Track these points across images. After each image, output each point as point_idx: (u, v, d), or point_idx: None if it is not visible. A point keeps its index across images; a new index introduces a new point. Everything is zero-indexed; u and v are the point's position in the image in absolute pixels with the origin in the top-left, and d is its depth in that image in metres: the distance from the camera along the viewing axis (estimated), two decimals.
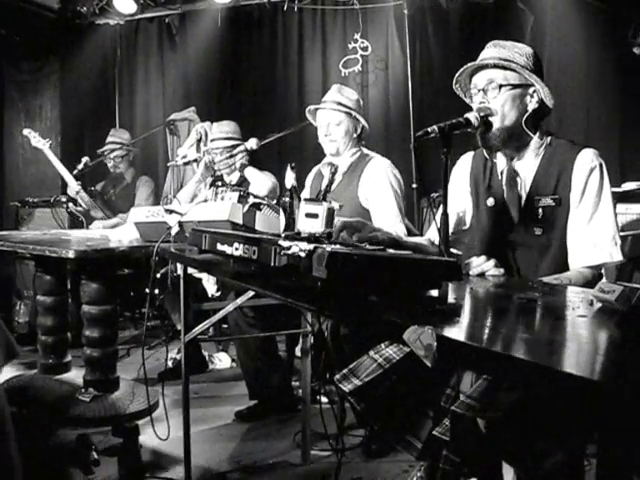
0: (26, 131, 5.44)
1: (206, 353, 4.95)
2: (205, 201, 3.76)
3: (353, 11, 6.32)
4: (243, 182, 4.50)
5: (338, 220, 2.39)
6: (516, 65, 2.33)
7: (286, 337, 4.22)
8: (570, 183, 2.32)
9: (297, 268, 1.53)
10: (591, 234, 2.30)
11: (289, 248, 1.55)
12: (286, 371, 4.07)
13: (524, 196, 2.42)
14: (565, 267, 2.33)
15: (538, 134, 2.42)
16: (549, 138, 2.43)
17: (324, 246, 1.50)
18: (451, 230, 2.61)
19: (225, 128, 4.69)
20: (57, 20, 6.99)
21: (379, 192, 3.60)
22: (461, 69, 2.44)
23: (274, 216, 3.29)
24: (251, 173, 4.54)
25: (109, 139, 5.78)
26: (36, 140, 5.37)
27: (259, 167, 4.66)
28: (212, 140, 4.66)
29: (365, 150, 3.81)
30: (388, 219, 3.53)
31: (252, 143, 3.86)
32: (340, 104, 3.71)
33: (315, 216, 1.95)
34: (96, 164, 5.57)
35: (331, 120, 3.71)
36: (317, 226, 1.94)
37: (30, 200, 6.05)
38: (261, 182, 4.47)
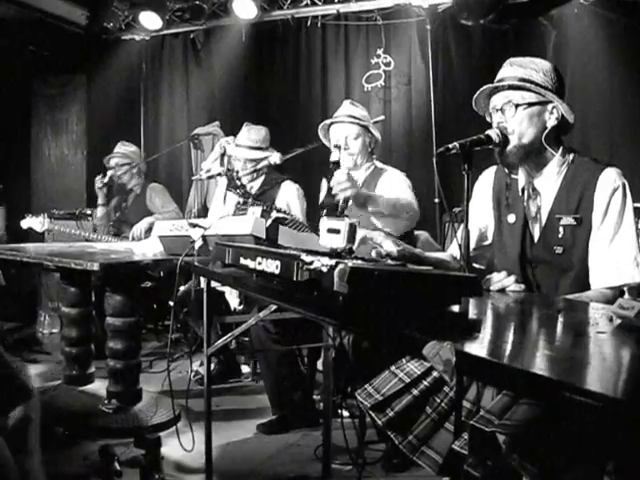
0: (25, 224, 5.31)
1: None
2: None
3: (376, 27, 6.34)
4: (264, 192, 4.46)
5: (359, 232, 2.42)
6: (531, 85, 2.33)
7: (308, 351, 4.24)
8: (592, 203, 2.31)
9: (319, 283, 1.55)
10: (612, 255, 2.28)
11: (311, 263, 1.57)
12: (308, 385, 4.08)
13: (545, 214, 2.41)
14: (586, 286, 2.31)
15: (560, 151, 2.41)
16: (571, 155, 2.42)
17: (346, 261, 1.52)
18: (473, 245, 2.62)
19: (254, 136, 4.53)
20: (84, 36, 7.10)
21: (395, 190, 3.60)
22: (478, 91, 2.46)
23: (297, 230, 3.31)
24: (288, 192, 4.54)
25: (114, 150, 5.73)
26: (36, 224, 5.33)
27: (280, 170, 4.61)
28: (237, 145, 4.50)
29: (378, 164, 3.83)
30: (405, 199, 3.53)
31: (276, 158, 3.87)
32: (355, 118, 3.73)
33: (337, 232, 1.97)
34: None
35: (349, 133, 3.71)
36: (339, 241, 1.96)
37: (56, 212, 6.12)
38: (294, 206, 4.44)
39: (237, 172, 4.24)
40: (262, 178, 4.55)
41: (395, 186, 3.64)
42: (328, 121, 3.83)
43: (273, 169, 4.46)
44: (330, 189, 3.14)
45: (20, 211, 5.56)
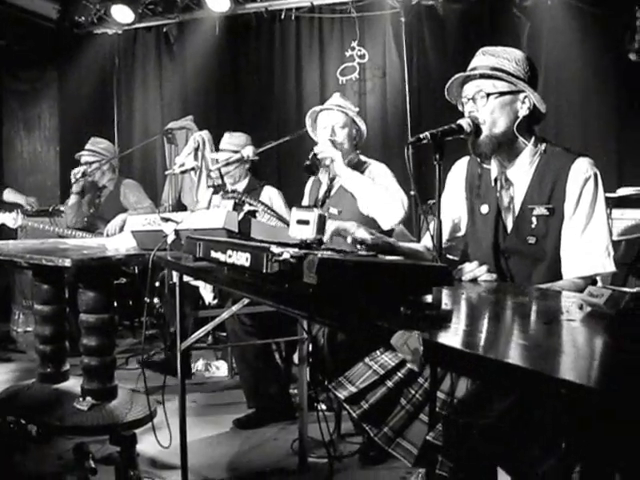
0: None
1: (203, 361, 4.96)
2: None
3: (350, 19, 6.33)
4: (251, 192, 4.47)
5: (332, 223, 2.41)
6: (502, 73, 2.33)
7: (284, 344, 4.23)
8: (564, 193, 2.30)
9: (289, 274, 1.54)
10: (584, 245, 2.29)
11: (280, 255, 1.55)
12: (283, 378, 4.07)
13: (518, 204, 2.40)
14: (558, 276, 2.32)
15: (532, 141, 2.41)
16: (544, 145, 2.42)
17: (315, 252, 1.51)
18: (446, 237, 2.62)
19: (235, 141, 4.60)
20: (55, 30, 7.03)
21: (381, 181, 3.61)
22: (450, 80, 2.45)
23: (270, 223, 3.30)
24: (271, 192, 4.60)
25: (86, 147, 5.66)
26: (9, 220, 5.25)
27: (258, 176, 4.67)
28: (220, 150, 4.60)
29: (362, 157, 3.83)
30: (391, 191, 3.54)
31: (248, 151, 3.85)
32: (342, 107, 3.75)
33: (306, 222, 1.95)
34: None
35: (337, 122, 3.72)
36: (308, 233, 1.94)
37: (29, 209, 6.03)
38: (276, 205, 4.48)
39: (222, 176, 4.23)
40: (246, 181, 4.64)
41: (381, 178, 3.65)
42: (317, 108, 3.83)
43: (254, 177, 4.63)
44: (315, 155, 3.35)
45: None
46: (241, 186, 4.59)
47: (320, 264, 1.41)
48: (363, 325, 1.38)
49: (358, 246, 2.30)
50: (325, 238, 2.20)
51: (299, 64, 6.69)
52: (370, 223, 3.55)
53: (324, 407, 3.74)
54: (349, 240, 2.30)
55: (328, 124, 3.73)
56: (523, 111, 2.36)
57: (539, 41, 5.67)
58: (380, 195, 3.47)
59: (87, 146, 5.58)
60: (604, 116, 5.52)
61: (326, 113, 3.78)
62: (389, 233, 3.55)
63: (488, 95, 2.33)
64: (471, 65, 2.42)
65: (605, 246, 2.29)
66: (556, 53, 5.61)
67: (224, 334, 5.10)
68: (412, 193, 5.59)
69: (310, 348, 3.31)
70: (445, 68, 5.82)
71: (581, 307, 1.52)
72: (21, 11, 6.68)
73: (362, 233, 2.33)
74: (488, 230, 2.46)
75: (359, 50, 6.36)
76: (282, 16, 6.59)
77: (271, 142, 3.98)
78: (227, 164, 4.02)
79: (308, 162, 3.27)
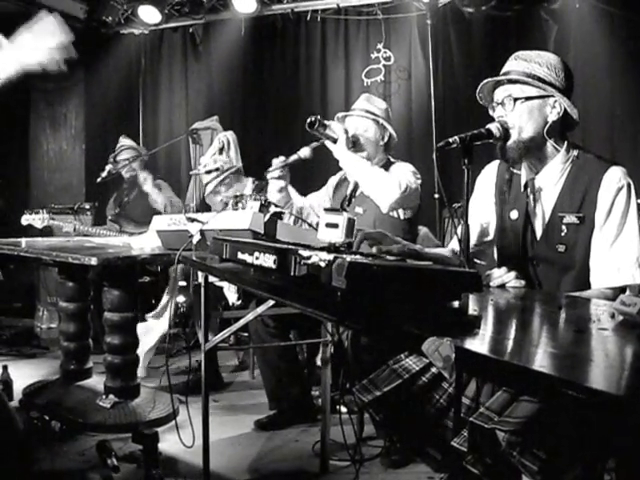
0: (24, 220, 5.28)
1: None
2: None
3: (376, 21, 6.33)
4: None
5: (359, 231, 2.40)
6: (530, 79, 2.31)
7: (306, 346, 4.23)
8: (596, 202, 2.27)
9: (317, 278, 1.53)
10: (614, 256, 2.26)
11: (309, 258, 1.55)
12: (306, 381, 4.07)
13: (548, 212, 2.38)
14: (587, 285, 2.29)
15: (565, 147, 2.39)
16: (576, 152, 2.39)
17: (344, 256, 1.50)
18: (474, 241, 2.60)
19: None
20: (83, 29, 7.05)
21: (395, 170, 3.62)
22: (481, 84, 2.43)
23: (296, 225, 3.29)
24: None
25: (119, 144, 5.71)
26: (35, 221, 5.31)
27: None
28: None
29: (392, 159, 3.83)
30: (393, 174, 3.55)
31: (305, 152, 3.67)
32: (368, 112, 3.74)
33: (335, 226, 1.95)
34: (117, 173, 5.55)
35: (358, 126, 3.72)
36: (337, 236, 1.94)
37: (55, 207, 6.08)
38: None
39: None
40: None
41: (394, 167, 3.66)
42: (341, 114, 3.84)
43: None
44: None
45: (19, 206, 5.53)
46: None
47: (350, 268, 1.41)
48: (393, 330, 1.38)
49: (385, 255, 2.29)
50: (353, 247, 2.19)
51: (324, 66, 6.68)
52: (395, 223, 3.56)
53: (345, 410, 3.74)
54: (373, 250, 2.29)
55: (351, 129, 3.71)
56: (553, 116, 2.34)
57: (567, 44, 5.62)
58: (376, 175, 3.47)
59: (123, 142, 5.63)
60: (632, 120, 5.47)
61: (349, 118, 3.79)
62: (415, 237, 3.55)
63: (516, 100, 2.32)
64: (503, 70, 2.41)
65: (636, 257, 2.26)
66: (584, 56, 5.56)
67: (246, 334, 5.11)
68: (436, 196, 5.62)
69: (333, 350, 3.31)
70: (471, 71, 5.80)
71: (613, 316, 1.51)
72: (49, 10, 6.70)
73: (388, 243, 2.33)
74: (517, 236, 2.44)
75: (385, 52, 6.35)
76: (308, 17, 6.59)
77: (319, 141, 3.89)
78: (285, 165, 3.87)
79: (313, 119, 3.29)
